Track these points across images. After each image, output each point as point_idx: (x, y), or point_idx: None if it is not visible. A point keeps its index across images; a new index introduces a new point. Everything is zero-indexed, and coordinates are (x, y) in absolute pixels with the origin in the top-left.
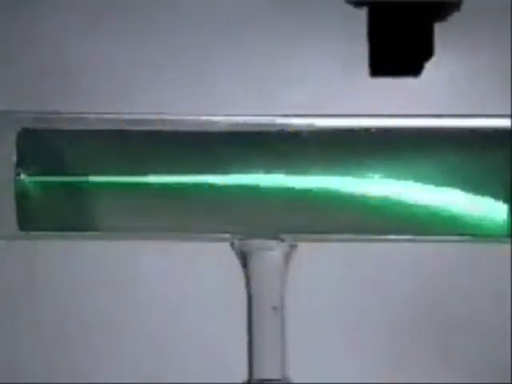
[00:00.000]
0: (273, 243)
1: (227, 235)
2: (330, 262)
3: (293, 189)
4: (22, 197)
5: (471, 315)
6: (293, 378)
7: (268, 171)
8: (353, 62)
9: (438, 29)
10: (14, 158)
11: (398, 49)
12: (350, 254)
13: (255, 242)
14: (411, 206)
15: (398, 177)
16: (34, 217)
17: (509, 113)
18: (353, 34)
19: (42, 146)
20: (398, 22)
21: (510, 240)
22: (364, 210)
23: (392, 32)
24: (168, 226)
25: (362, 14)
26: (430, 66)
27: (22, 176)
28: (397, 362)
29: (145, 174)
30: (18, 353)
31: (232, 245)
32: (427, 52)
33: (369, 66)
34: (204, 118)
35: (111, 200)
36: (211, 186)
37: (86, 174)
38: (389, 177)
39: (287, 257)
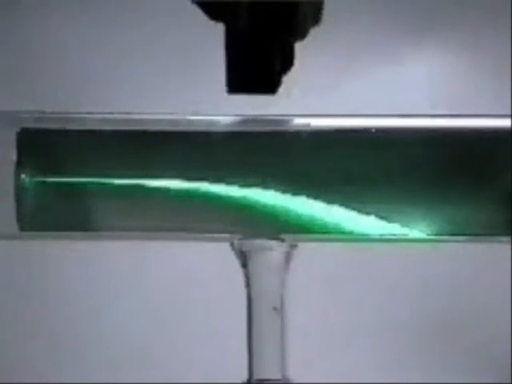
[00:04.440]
0: (273, 243)
1: (227, 235)
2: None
3: (293, 189)
4: (22, 197)
5: (472, 315)
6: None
7: (268, 171)
8: None
9: (437, 26)
10: (14, 158)
11: (254, 66)
12: (350, 252)
13: (255, 242)
14: (412, 205)
15: (398, 176)
16: (34, 217)
17: (509, 113)
18: None
19: (42, 146)
20: (254, 40)
21: (510, 240)
22: (366, 210)
23: (248, 50)
24: (168, 226)
25: None
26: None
27: (22, 176)
28: (396, 363)
29: (144, 173)
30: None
31: (232, 245)
32: (285, 68)
33: (226, 84)
34: (204, 118)
35: (111, 200)
36: (211, 186)
37: (86, 174)
38: (388, 176)
39: (287, 257)
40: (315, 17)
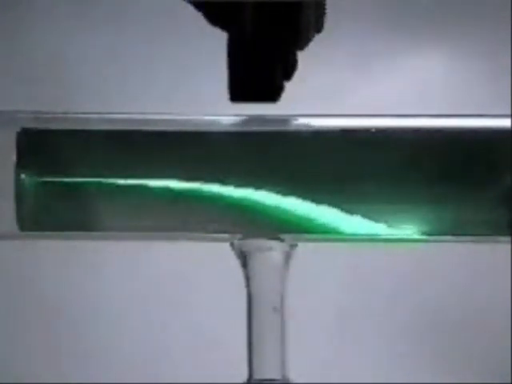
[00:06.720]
0: (273, 243)
1: (227, 235)
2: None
3: (293, 189)
4: (22, 197)
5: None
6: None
7: (268, 171)
8: None
9: (436, 25)
10: (14, 158)
11: (257, 75)
12: (348, 252)
13: (255, 242)
14: (412, 205)
15: (398, 176)
16: (34, 217)
17: (509, 113)
18: None
19: (42, 146)
20: (256, 49)
21: (510, 240)
22: (366, 210)
23: (251, 58)
24: (168, 226)
25: None
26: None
27: (22, 176)
28: (395, 363)
29: (144, 174)
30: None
31: (232, 245)
32: (288, 76)
33: (228, 92)
34: (204, 117)
35: (111, 200)
36: (211, 186)
37: (86, 175)
38: (388, 176)
39: (287, 257)
40: (317, 25)
